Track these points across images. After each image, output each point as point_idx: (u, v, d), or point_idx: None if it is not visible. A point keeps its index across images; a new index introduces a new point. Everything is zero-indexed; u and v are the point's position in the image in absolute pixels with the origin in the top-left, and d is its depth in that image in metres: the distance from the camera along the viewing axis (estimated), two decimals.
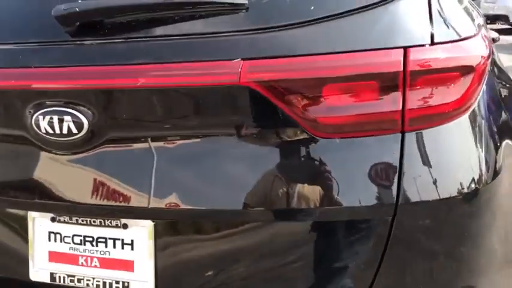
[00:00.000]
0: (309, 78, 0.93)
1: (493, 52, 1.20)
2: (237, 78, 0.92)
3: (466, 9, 1.21)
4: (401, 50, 0.93)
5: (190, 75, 0.95)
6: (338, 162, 0.97)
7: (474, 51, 0.99)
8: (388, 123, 0.95)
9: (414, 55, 0.92)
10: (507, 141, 1.11)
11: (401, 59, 0.92)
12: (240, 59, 0.93)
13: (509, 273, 1.11)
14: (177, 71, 0.95)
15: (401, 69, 0.92)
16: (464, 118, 0.99)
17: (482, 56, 1.00)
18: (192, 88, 0.96)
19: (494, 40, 1.86)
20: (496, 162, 1.02)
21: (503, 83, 1.32)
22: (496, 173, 1.01)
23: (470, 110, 1.00)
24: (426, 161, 0.96)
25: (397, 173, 0.95)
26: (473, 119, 1.01)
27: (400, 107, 0.93)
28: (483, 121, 1.04)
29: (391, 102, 0.93)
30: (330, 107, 0.95)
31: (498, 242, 1.06)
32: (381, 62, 0.93)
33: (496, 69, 1.30)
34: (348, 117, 0.95)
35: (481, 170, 0.99)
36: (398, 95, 0.93)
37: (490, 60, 1.08)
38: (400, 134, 0.95)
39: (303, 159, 0.98)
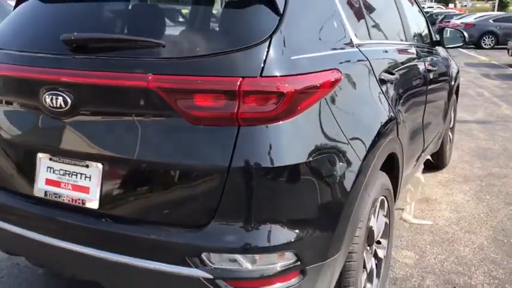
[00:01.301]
0: (187, 88, 1.64)
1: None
2: (146, 84, 1.65)
3: (321, 55, 1.84)
4: (240, 78, 1.61)
5: (125, 79, 1.69)
6: (201, 139, 1.65)
7: (283, 84, 1.62)
8: (230, 120, 1.62)
9: (246, 82, 1.60)
10: (319, 143, 1.74)
11: (239, 83, 1.60)
12: (150, 74, 1.65)
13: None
14: (118, 78, 1.70)
15: (237, 89, 1.60)
16: (282, 123, 1.64)
17: (295, 89, 1.63)
18: (125, 87, 1.70)
19: (391, 74, 2.41)
20: (295, 152, 1.66)
21: (349, 112, 1.92)
22: (292, 159, 1.65)
23: (290, 119, 1.65)
24: (250, 144, 1.63)
25: (232, 148, 1.62)
26: (290, 124, 1.66)
27: (236, 110, 1.61)
28: (299, 128, 1.68)
29: (232, 108, 1.61)
30: (198, 106, 1.64)
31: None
32: (227, 83, 1.61)
33: (345, 100, 1.91)
34: (208, 113, 1.64)
35: (282, 154, 1.64)
36: (235, 103, 1.61)
37: (313, 89, 1.71)
38: (237, 127, 1.63)
39: (181, 135, 1.68)
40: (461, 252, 3.11)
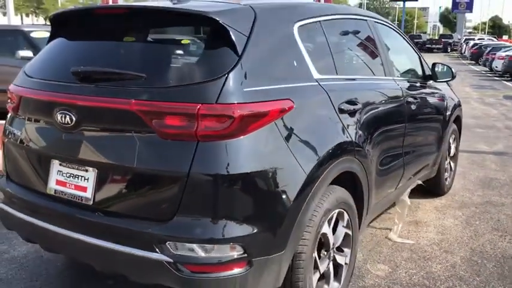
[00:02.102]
0: (159, 111, 2.11)
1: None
2: (129, 107, 2.13)
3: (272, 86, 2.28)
4: (199, 105, 2.06)
5: (113, 103, 2.19)
6: (168, 151, 2.11)
7: (233, 110, 2.06)
8: (191, 136, 2.07)
9: (203, 107, 2.05)
10: (267, 157, 2.16)
11: (198, 108, 2.06)
12: (133, 99, 2.14)
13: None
14: (108, 101, 2.20)
15: (196, 112, 2.05)
16: (232, 140, 2.08)
17: (243, 114, 2.07)
18: (113, 109, 2.20)
19: (355, 104, 2.80)
20: (244, 163, 2.09)
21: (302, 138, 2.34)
22: (240, 168, 2.07)
23: (240, 137, 2.09)
24: (206, 155, 2.07)
25: (191, 159, 2.07)
26: (240, 141, 2.09)
27: (195, 129, 2.06)
28: (249, 144, 2.11)
29: (192, 127, 2.06)
30: (167, 125, 2.11)
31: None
32: (189, 108, 2.07)
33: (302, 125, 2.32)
34: (174, 131, 2.10)
35: (231, 164, 2.06)
36: (195, 123, 2.06)
37: (261, 114, 2.14)
38: (196, 142, 2.08)
39: (154, 147, 2.13)
40: (432, 268, 3.39)
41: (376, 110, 3.12)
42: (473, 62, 32.58)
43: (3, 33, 8.38)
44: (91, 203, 2.29)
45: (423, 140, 4.07)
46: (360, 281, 3.18)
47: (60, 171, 2.42)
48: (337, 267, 2.79)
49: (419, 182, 4.29)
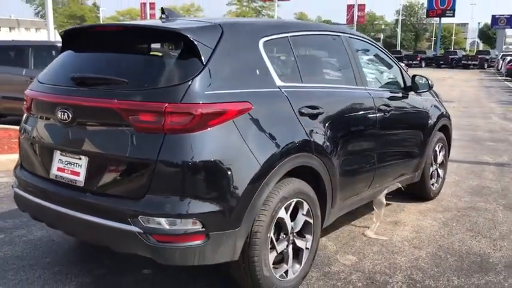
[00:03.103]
0: (135, 109, 2.60)
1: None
2: (112, 105, 2.63)
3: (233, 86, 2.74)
4: (167, 104, 2.54)
5: (100, 102, 2.69)
6: (142, 141, 2.59)
7: (194, 109, 2.52)
8: (159, 129, 2.55)
9: (170, 106, 2.53)
10: (224, 148, 2.61)
11: (165, 106, 2.53)
12: (115, 99, 2.64)
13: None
14: (96, 101, 2.71)
15: (163, 110, 2.53)
16: (193, 133, 2.54)
17: (202, 112, 2.53)
18: (100, 107, 2.70)
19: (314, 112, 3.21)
20: (202, 152, 2.54)
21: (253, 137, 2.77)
22: (199, 156, 2.53)
23: (200, 131, 2.55)
24: (171, 145, 2.54)
25: (159, 148, 2.54)
26: (200, 134, 2.55)
27: (163, 124, 2.54)
28: (207, 137, 2.57)
29: (161, 122, 2.54)
30: (141, 120, 2.59)
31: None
32: (159, 107, 2.55)
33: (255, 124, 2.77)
34: (146, 125, 2.58)
35: (192, 153, 2.52)
36: (163, 119, 2.54)
37: (219, 113, 2.60)
38: (164, 134, 2.55)
39: (131, 138, 2.62)
40: (397, 260, 3.73)
41: (340, 116, 3.52)
42: (509, 78, 32.08)
43: (40, 48, 9.20)
44: (82, 185, 2.79)
45: (400, 146, 4.42)
46: (326, 267, 3.56)
47: (60, 159, 2.93)
48: (298, 250, 3.19)
49: (399, 186, 4.62)
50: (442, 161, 5.41)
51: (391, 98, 4.25)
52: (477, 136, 9.75)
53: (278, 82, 3.03)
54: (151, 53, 3.02)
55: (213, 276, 3.32)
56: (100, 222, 2.68)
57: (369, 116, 3.86)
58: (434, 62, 50.40)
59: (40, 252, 3.74)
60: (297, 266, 3.18)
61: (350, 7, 45.65)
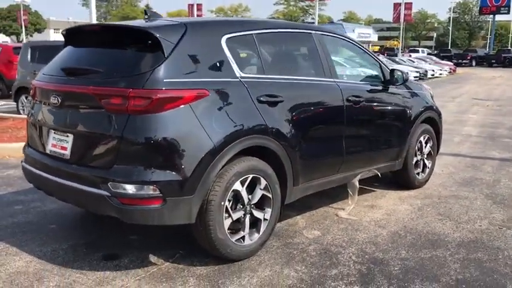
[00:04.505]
0: (106, 94, 3.15)
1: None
2: (88, 91, 3.20)
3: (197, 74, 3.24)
4: (130, 89, 3.07)
5: (80, 88, 3.27)
6: (111, 121, 3.12)
7: (152, 94, 3.04)
8: (125, 111, 3.08)
9: (133, 91, 3.06)
10: (180, 127, 3.11)
11: (129, 91, 3.07)
12: (91, 85, 3.20)
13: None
14: (77, 88, 3.29)
15: (127, 94, 3.07)
16: (152, 114, 3.06)
17: (159, 97, 3.05)
18: (79, 93, 3.28)
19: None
20: (159, 129, 3.06)
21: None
22: (156, 133, 3.05)
23: (158, 113, 3.07)
24: (133, 124, 3.07)
25: (124, 125, 3.08)
26: (158, 115, 3.07)
27: (127, 106, 3.07)
28: (165, 117, 3.09)
29: (125, 104, 3.07)
30: (111, 103, 3.13)
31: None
32: (124, 92, 3.08)
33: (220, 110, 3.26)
34: (115, 107, 3.12)
35: (151, 130, 3.05)
36: (127, 102, 3.07)
37: (176, 98, 3.11)
38: (128, 115, 3.09)
39: (103, 118, 3.17)
40: (357, 236, 4.11)
41: (302, 104, 3.93)
42: None
43: None
44: (68, 158, 3.37)
45: (374, 135, 4.77)
46: (289, 239, 3.99)
47: (54, 137, 3.53)
48: (257, 220, 3.64)
49: (376, 172, 4.95)
50: (430, 152, 5.68)
51: (362, 90, 4.61)
52: (496, 133, 9.78)
53: (238, 73, 3.50)
54: (125, 48, 3.56)
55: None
56: (80, 188, 3.24)
57: (335, 106, 4.25)
58: (485, 61, 48.92)
59: (48, 220, 4.38)
60: (256, 235, 3.64)
61: (397, 6, 44.93)
